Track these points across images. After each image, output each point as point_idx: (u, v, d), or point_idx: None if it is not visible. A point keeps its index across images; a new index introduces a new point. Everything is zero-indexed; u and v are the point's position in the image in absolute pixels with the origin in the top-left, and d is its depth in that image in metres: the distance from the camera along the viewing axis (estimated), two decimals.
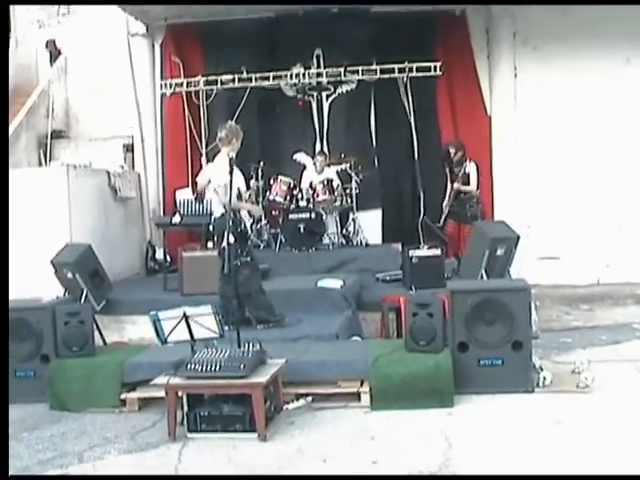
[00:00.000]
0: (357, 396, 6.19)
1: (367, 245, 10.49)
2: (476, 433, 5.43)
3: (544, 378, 6.42)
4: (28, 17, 14.55)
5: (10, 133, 12.24)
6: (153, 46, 11.75)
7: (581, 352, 7.56)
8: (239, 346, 6.06)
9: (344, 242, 10.49)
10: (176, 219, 9.62)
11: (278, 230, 10.40)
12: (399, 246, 10.25)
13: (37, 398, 6.73)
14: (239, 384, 5.48)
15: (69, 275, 8.38)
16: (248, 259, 7.57)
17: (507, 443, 5.18)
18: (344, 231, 10.60)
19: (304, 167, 11.07)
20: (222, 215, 7.73)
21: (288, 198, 10.32)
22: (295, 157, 11.07)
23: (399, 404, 6.02)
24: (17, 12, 14.70)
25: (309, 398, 6.23)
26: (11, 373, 6.89)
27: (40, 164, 12.45)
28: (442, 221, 10.21)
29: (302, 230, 10.11)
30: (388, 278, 9.27)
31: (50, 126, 12.85)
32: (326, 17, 10.96)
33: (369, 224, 10.90)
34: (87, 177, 9.77)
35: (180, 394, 5.65)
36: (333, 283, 8.29)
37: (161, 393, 5.91)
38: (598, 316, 9.40)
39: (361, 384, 6.21)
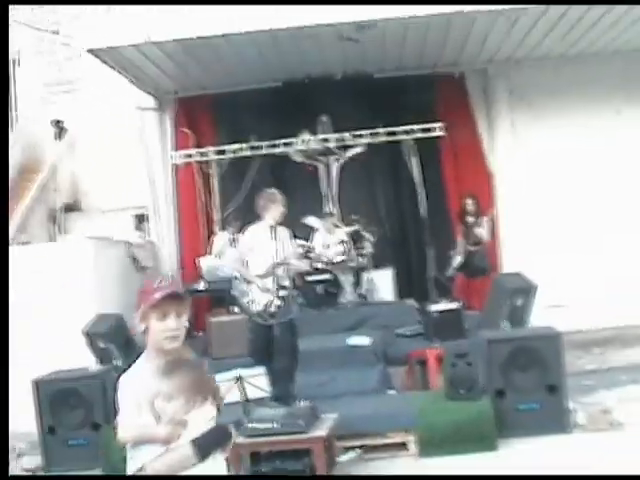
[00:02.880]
0: (404, 445, 6.47)
1: (383, 303, 10.80)
2: (526, 473, 5.71)
3: (579, 419, 6.74)
4: (31, 96, 14.99)
5: (23, 209, 12.58)
6: (163, 118, 12.10)
7: (605, 393, 7.86)
8: (289, 404, 6.34)
9: (360, 301, 10.77)
10: (201, 285, 9.92)
11: (296, 292, 10.64)
12: (413, 302, 10.59)
13: (89, 465, 6.93)
14: (301, 439, 5.73)
15: (101, 345, 8.60)
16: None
17: None
18: (360, 290, 10.89)
19: (315, 230, 11.38)
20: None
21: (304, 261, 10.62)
22: (306, 221, 11.38)
23: (446, 450, 6.31)
24: (19, 91, 15.15)
25: (359, 450, 6.50)
26: (63, 442, 7.15)
27: (52, 238, 12.73)
28: (451, 275, 10.66)
29: (320, 291, 10.40)
30: (408, 333, 9.55)
31: (60, 201, 13.19)
32: (330, 84, 11.43)
33: (381, 282, 11.20)
34: (110, 248, 10.05)
35: (242, 453, 5.90)
36: (362, 340, 8.59)
37: None
38: (611, 359, 9.71)
39: (408, 434, 6.49)
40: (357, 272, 10.93)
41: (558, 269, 11.31)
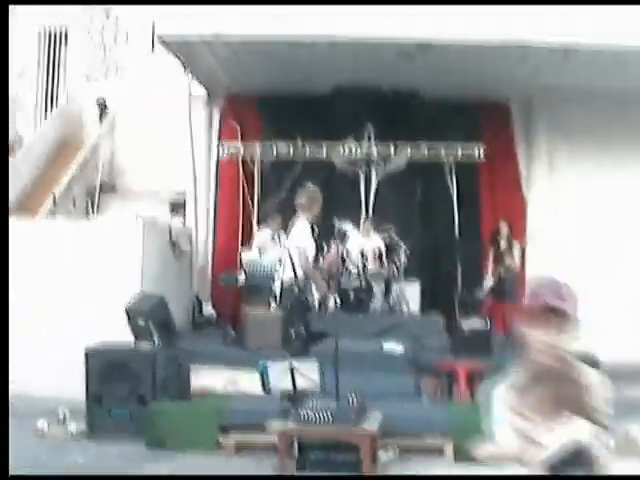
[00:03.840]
0: (441, 449, 6.76)
1: (411, 314, 11.09)
2: None
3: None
4: (76, 74, 15.29)
5: (63, 186, 12.88)
6: (211, 109, 12.39)
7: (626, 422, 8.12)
8: (338, 397, 6.61)
9: (389, 309, 11.06)
10: (242, 278, 10.21)
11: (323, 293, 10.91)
12: (439, 316, 10.88)
13: (130, 437, 7.17)
14: (351, 432, 6.01)
15: (141, 323, 8.84)
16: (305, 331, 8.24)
17: None
18: (389, 299, 11.17)
19: (348, 236, 11.62)
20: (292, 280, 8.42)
21: (340, 265, 10.90)
22: (341, 226, 11.62)
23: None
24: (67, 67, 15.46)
25: (397, 449, 6.77)
26: (108, 412, 7.40)
27: (87, 215, 13.00)
28: (482, 297, 10.95)
29: (352, 296, 10.67)
30: (436, 345, 9.82)
31: (98, 179, 13.48)
32: (379, 96, 11.73)
33: (409, 294, 11.46)
34: (156, 230, 10.31)
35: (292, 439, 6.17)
36: (396, 347, 8.89)
37: (256, 439, 6.44)
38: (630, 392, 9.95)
39: (444, 438, 6.78)
40: (388, 281, 11.21)
41: (582, 302, 11.55)
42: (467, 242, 11.70)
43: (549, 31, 9.04)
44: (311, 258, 8.38)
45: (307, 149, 11.72)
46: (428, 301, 11.77)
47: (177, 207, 12.92)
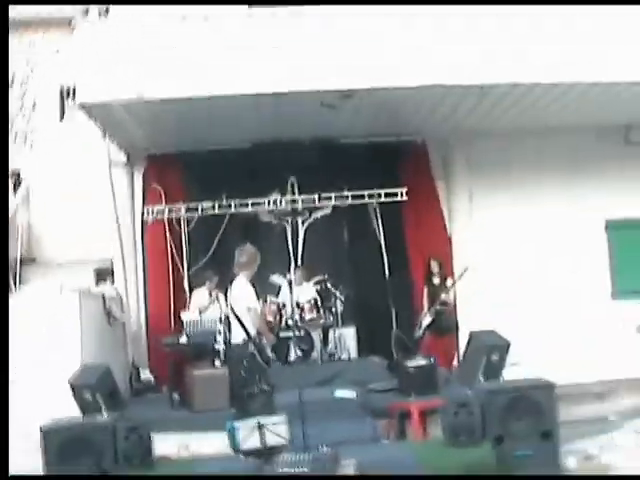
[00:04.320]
0: None
1: (352, 359, 11.19)
2: None
3: (570, 464, 7.25)
4: None
5: None
6: (132, 172, 12.31)
7: (580, 441, 8.40)
8: (306, 450, 6.62)
9: (329, 357, 11.14)
10: (183, 339, 10.10)
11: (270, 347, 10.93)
12: (378, 359, 11.00)
13: None
14: None
15: (87, 396, 8.64)
16: (266, 388, 8.25)
17: None
18: (329, 347, 11.26)
19: (279, 288, 11.72)
20: (245, 341, 8.46)
21: (277, 317, 10.96)
22: (271, 279, 11.70)
23: None
24: None
25: None
26: None
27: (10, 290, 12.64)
28: (421, 334, 11.14)
29: (292, 347, 10.74)
30: (381, 388, 9.92)
31: (19, 252, 13.15)
32: (299, 147, 11.89)
33: (347, 339, 11.59)
34: (91, 300, 10.14)
35: None
36: (348, 393, 8.96)
37: None
38: (571, 413, 10.28)
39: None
40: (325, 329, 11.32)
41: (510, 331, 11.90)
42: (398, 282, 11.92)
43: (465, 71, 9.38)
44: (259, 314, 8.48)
45: (232, 205, 11.78)
46: (366, 345, 11.91)
47: (103, 275, 12.74)
